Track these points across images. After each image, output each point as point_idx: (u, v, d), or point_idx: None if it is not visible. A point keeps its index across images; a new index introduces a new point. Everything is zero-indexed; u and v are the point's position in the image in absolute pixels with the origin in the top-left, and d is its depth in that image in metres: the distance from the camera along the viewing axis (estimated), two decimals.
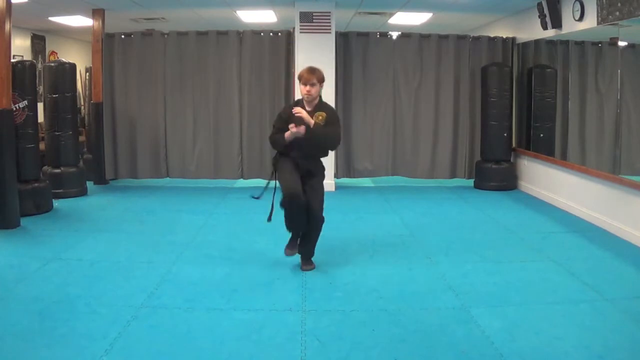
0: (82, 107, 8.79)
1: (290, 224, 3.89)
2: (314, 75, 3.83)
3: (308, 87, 3.82)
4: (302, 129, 3.72)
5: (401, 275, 3.94)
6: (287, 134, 3.79)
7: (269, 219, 3.89)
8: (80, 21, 7.85)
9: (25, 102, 5.56)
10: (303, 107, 3.84)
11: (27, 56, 8.58)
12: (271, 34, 7.18)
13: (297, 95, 6.95)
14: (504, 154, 7.17)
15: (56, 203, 5.97)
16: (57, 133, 6.43)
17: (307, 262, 4.04)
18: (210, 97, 7.22)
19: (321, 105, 3.91)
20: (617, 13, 4.85)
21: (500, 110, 7.07)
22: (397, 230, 5.20)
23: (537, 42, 6.75)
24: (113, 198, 6.58)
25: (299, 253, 4.05)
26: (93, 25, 7.23)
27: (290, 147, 3.87)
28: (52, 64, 6.59)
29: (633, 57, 5.08)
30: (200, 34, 7.15)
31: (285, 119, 3.86)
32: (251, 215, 5.64)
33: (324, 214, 3.95)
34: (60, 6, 7.03)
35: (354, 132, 7.37)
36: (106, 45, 7.17)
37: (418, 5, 7.15)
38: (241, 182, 7.42)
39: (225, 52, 7.16)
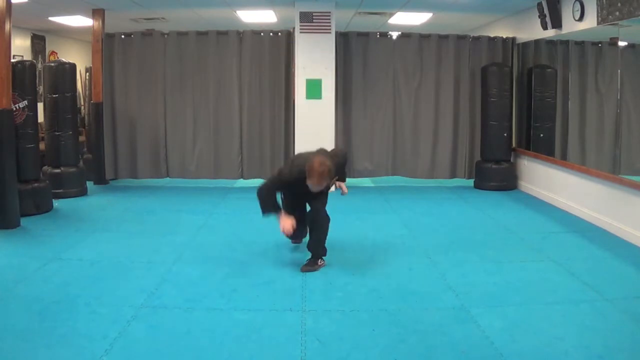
0: (82, 107, 8.79)
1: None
2: (323, 180, 3.71)
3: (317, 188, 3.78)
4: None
5: (401, 275, 3.94)
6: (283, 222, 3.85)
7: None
8: (80, 21, 7.85)
9: (25, 102, 5.55)
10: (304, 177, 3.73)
11: (27, 56, 8.57)
12: (271, 34, 7.18)
13: (297, 95, 6.99)
14: (504, 154, 7.17)
15: (56, 203, 5.98)
16: (57, 133, 6.43)
17: (308, 263, 4.04)
18: (210, 97, 7.22)
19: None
20: (617, 13, 4.85)
21: (500, 110, 7.07)
22: (397, 230, 5.20)
23: (537, 42, 6.75)
24: (113, 198, 6.58)
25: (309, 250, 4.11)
26: (93, 25, 7.23)
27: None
28: (52, 64, 6.58)
29: (633, 57, 5.08)
30: (200, 34, 7.15)
31: (288, 181, 3.87)
32: (251, 215, 5.63)
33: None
34: (60, 6, 7.03)
35: (354, 132, 7.37)
36: (106, 45, 7.17)
37: (418, 5, 7.15)
38: (241, 182, 7.42)
39: (225, 52, 7.16)
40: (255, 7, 7.48)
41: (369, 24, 8.58)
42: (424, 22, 8.31)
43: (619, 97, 5.15)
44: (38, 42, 9.07)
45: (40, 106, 6.52)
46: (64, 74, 6.47)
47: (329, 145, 7.02)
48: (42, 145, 6.26)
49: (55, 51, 9.61)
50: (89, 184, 6.95)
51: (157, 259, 4.22)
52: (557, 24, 6.04)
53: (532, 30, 6.71)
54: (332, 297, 3.53)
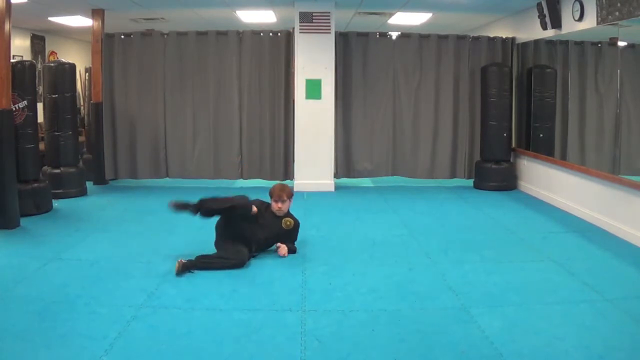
0: (82, 107, 8.79)
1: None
2: (284, 193, 4.34)
3: (280, 204, 4.31)
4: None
5: (401, 275, 3.94)
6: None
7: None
8: (80, 21, 7.86)
9: (25, 102, 5.55)
10: (272, 211, 4.34)
11: (27, 56, 8.58)
12: (271, 34, 7.18)
13: (297, 96, 7.01)
14: (504, 154, 7.17)
15: (56, 203, 5.97)
16: (57, 133, 6.43)
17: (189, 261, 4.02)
18: (210, 97, 7.22)
19: (288, 214, 4.42)
20: (617, 13, 4.85)
21: (500, 110, 7.07)
22: (397, 230, 5.20)
23: (536, 42, 6.75)
24: (113, 198, 6.58)
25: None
26: (93, 25, 7.23)
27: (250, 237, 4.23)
28: (52, 64, 6.59)
29: (633, 57, 5.08)
30: (200, 34, 7.15)
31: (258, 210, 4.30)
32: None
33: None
34: (60, 6, 7.03)
35: (354, 132, 7.37)
36: (106, 45, 7.17)
37: (418, 5, 7.15)
38: (241, 182, 7.41)
39: (225, 52, 7.16)
40: (255, 7, 7.49)
41: (369, 24, 8.58)
42: (423, 22, 8.31)
43: (618, 97, 5.15)
44: (38, 42, 9.07)
45: (40, 106, 6.52)
46: (63, 74, 6.47)
47: (328, 145, 7.05)
48: (42, 145, 6.27)
49: (55, 51, 9.61)
50: (89, 184, 6.95)
51: (157, 259, 4.21)
52: (556, 24, 6.04)
53: (532, 31, 6.71)
54: (332, 297, 3.53)
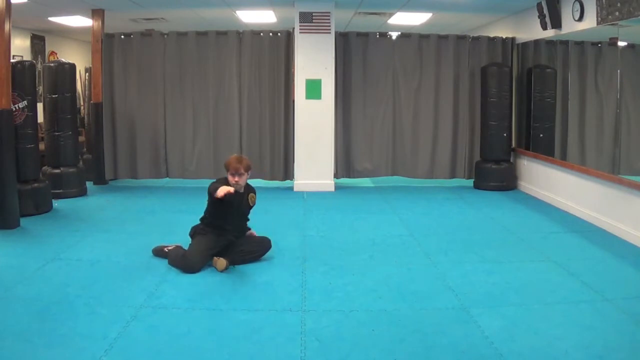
0: (82, 107, 8.78)
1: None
2: (241, 165, 4.02)
3: (237, 178, 4.01)
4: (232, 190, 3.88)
5: (401, 275, 3.94)
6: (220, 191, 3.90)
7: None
8: (79, 21, 7.86)
9: (25, 102, 5.55)
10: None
11: (27, 56, 8.58)
12: (271, 34, 7.18)
13: (296, 95, 7.01)
14: (504, 154, 7.17)
15: (56, 203, 5.97)
16: (57, 133, 6.43)
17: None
18: (210, 97, 7.22)
19: (248, 187, 4.23)
20: (617, 13, 4.86)
21: (499, 110, 7.07)
22: (397, 231, 5.20)
23: (536, 42, 6.75)
24: (113, 198, 6.57)
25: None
26: (93, 26, 7.23)
27: (223, 220, 4.11)
28: (52, 64, 6.58)
29: (633, 57, 5.08)
30: (200, 34, 7.15)
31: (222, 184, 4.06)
32: (250, 216, 5.63)
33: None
34: (60, 6, 7.03)
35: (354, 133, 7.37)
36: (106, 45, 7.17)
37: (418, 6, 7.15)
38: None
39: (225, 52, 7.16)
40: (255, 7, 7.49)
41: (369, 24, 8.58)
42: (423, 22, 8.31)
43: (618, 97, 5.15)
44: (38, 42, 9.07)
45: (40, 106, 6.52)
46: (63, 74, 6.47)
47: (328, 145, 7.06)
48: (41, 146, 6.26)
49: (55, 51, 9.61)
50: (89, 184, 6.95)
51: (157, 259, 4.21)
52: (556, 24, 6.04)
53: (532, 31, 6.71)
54: (332, 297, 3.53)
